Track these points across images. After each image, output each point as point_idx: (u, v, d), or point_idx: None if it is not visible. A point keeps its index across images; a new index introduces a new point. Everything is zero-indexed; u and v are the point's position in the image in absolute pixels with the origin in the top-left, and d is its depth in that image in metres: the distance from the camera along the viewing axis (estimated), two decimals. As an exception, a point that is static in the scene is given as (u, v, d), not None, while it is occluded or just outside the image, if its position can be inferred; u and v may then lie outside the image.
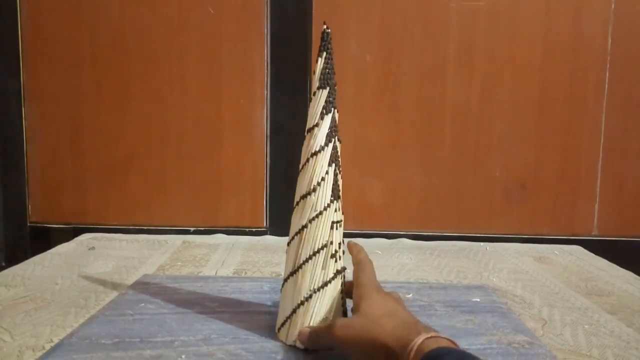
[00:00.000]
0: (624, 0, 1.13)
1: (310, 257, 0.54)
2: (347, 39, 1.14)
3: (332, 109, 0.55)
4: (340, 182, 0.56)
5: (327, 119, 0.54)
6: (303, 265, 0.54)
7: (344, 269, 0.55)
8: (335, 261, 0.54)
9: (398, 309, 0.48)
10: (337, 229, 0.54)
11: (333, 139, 0.55)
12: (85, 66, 1.14)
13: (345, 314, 0.56)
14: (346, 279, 0.56)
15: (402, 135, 1.17)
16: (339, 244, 0.55)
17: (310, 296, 0.53)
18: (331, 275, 0.54)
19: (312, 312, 0.53)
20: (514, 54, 1.15)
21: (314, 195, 0.54)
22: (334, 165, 0.55)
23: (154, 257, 0.96)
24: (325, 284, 0.53)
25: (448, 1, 1.14)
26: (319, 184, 0.54)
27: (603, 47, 1.14)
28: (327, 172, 0.54)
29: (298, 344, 0.53)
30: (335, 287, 0.54)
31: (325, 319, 0.53)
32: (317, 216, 0.54)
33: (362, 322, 0.47)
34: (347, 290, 0.55)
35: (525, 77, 1.15)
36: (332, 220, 0.54)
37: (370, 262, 0.56)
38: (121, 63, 1.14)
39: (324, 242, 0.54)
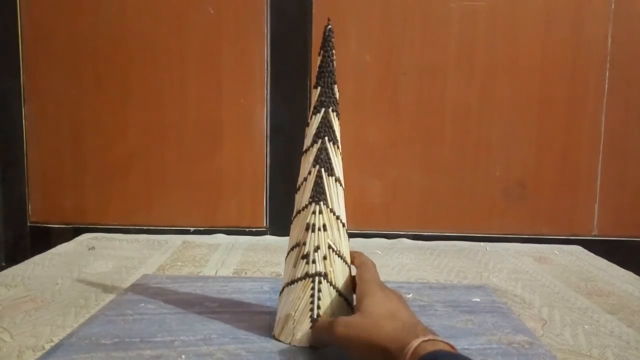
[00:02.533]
0: (624, 0, 1.13)
1: (288, 253, 0.56)
2: (347, 39, 1.14)
3: (322, 109, 0.54)
4: (329, 186, 0.54)
5: (316, 119, 0.54)
6: (285, 260, 0.57)
7: (319, 274, 0.53)
8: (307, 263, 0.53)
9: (399, 309, 0.48)
10: (313, 231, 0.53)
11: (320, 140, 0.54)
12: (85, 66, 1.14)
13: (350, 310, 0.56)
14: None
15: (402, 135, 1.17)
16: (316, 247, 0.53)
17: (283, 289, 0.56)
18: (299, 275, 0.54)
19: (281, 305, 0.56)
20: (514, 54, 1.15)
21: (298, 195, 0.56)
22: (318, 166, 0.54)
23: (154, 257, 0.96)
24: (292, 282, 0.54)
25: (448, 1, 1.14)
26: (302, 183, 0.55)
27: (603, 47, 1.14)
28: (309, 173, 0.54)
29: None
30: (303, 289, 0.53)
31: (288, 315, 0.54)
32: (296, 215, 0.55)
33: (362, 322, 0.47)
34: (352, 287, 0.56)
35: (525, 77, 1.15)
36: (307, 221, 0.54)
37: (373, 263, 0.56)
38: (121, 63, 1.14)
39: (297, 242, 0.55)
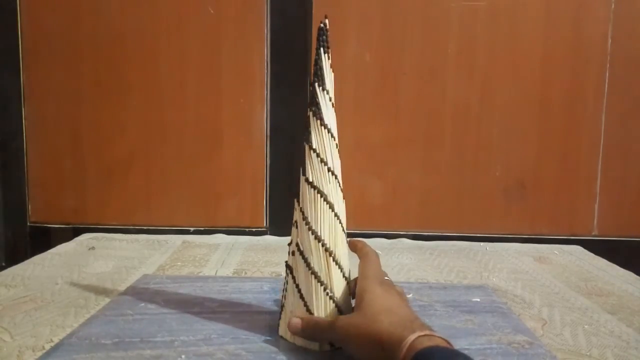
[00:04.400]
0: (624, 0, 1.13)
1: None
2: (347, 39, 1.14)
3: (309, 110, 0.54)
4: (302, 184, 0.54)
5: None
6: None
7: (288, 266, 0.55)
8: (288, 254, 0.56)
9: (399, 305, 0.48)
10: (293, 224, 0.56)
11: (303, 141, 0.55)
12: (85, 66, 1.15)
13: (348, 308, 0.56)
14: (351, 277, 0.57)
15: (402, 135, 1.17)
16: (291, 240, 0.56)
17: None
18: (285, 267, 0.57)
19: None
20: (514, 54, 1.15)
21: None
22: (301, 166, 0.55)
23: (154, 257, 0.96)
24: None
25: (448, 1, 1.14)
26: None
27: (603, 47, 1.14)
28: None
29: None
30: (288, 280, 0.56)
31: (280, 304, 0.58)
32: None
33: (361, 320, 0.47)
34: (354, 284, 0.56)
35: (525, 77, 1.15)
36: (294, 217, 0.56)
37: (376, 255, 0.56)
38: (121, 63, 1.14)
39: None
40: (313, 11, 1.14)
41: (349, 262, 0.56)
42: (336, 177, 0.54)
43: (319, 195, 0.53)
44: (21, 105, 1.15)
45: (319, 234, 0.53)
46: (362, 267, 0.54)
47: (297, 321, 0.52)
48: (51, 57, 1.14)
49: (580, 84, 1.15)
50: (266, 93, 1.15)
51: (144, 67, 1.15)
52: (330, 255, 0.53)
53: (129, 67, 1.15)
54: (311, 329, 0.52)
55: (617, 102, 1.15)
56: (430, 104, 1.16)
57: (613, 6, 1.13)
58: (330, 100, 0.54)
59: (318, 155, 0.54)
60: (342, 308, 0.53)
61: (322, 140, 0.54)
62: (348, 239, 0.58)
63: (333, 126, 0.54)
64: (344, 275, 0.54)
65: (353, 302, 0.55)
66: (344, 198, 0.56)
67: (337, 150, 0.55)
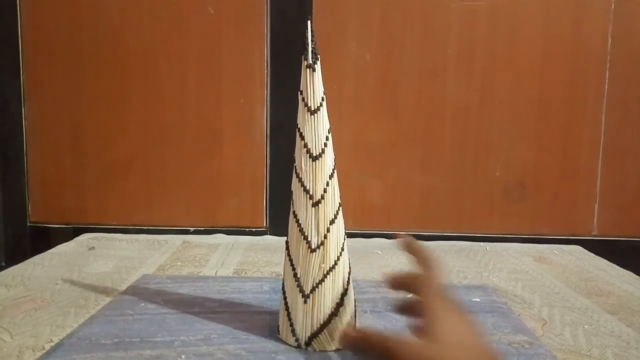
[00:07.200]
0: (624, 0, 1.13)
1: None
2: (347, 39, 1.14)
3: None
4: None
5: None
6: None
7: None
8: None
9: (474, 333, 0.41)
10: None
11: None
12: (85, 66, 1.14)
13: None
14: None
15: (402, 135, 1.17)
16: None
17: None
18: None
19: None
20: (514, 54, 1.15)
21: None
22: None
23: (154, 257, 0.96)
24: None
25: (448, 1, 1.14)
26: None
27: (603, 47, 1.14)
28: None
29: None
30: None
31: None
32: None
33: (434, 352, 0.39)
34: (404, 285, 0.46)
35: (525, 77, 1.15)
36: None
37: (441, 267, 0.46)
38: (121, 63, 1.14)
39: None
40: (313, 11, 1.14)
41: (323, 263, 0.53)
42: (297, 175, 0.54)
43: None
44: (21, 105, 1.15)
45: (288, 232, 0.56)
46: (429, 282, 0.45)
47: (350, 332, 0.44)
48: (51, 57, 1.14)
49: (580, 83, 1.15)
50: (266, 93, 1.15)
51: (144, 67, 1.15)
52: (289, 258, 0.55)
53: (129, 67, 1.15)
54: (360, 342, 0.42)
55: (617, 102, 1.15)
56: (430, 104, 1.16)
57: (613, 6, 1.13)
58: (303, 100, 0.54)
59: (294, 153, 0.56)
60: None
61: (296, 140, 0.55)
62: (403, 238, 0.48)
63: (302, 125, 0.54)
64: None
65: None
66: (317, 198, 0.53)
67: (304, 149, 0.53)
